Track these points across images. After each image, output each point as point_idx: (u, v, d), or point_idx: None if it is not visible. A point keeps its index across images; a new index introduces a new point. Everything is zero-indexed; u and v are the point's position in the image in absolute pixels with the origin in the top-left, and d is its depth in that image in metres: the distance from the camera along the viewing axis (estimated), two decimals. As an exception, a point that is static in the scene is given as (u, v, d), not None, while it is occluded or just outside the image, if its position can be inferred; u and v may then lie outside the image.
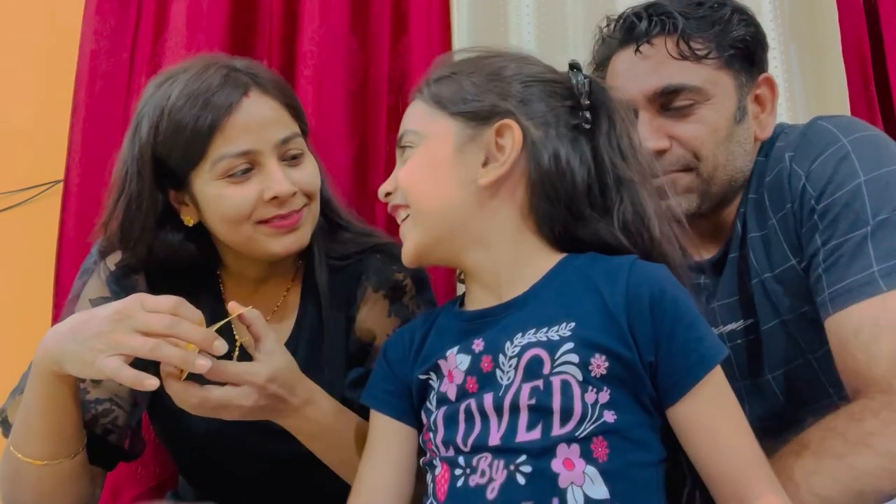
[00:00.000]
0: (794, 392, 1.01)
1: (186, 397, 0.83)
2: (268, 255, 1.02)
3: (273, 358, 0.87)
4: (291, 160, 1.02)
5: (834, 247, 0.90)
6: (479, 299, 0.86)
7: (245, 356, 0.90)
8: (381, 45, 1.62)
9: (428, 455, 0.83)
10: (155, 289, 1.08)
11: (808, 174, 0.95)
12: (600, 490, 0.71)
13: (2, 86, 1.82)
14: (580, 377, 0.74)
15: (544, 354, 0.76)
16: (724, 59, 1.00)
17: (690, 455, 0.77)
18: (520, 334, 0.78)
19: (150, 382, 0.79)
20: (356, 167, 1.57)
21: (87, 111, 1.67)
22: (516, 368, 0.77)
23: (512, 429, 0.75)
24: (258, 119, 0.98)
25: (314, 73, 1.53)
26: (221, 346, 0.81)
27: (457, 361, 0.81)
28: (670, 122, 1.00)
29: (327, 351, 1.05)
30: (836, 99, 1.43)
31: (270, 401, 0.86)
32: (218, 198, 0.97)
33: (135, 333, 0.81)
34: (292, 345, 1.08)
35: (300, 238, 1.02)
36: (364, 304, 1.09)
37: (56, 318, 1.14)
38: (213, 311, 0.90)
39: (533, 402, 0.75)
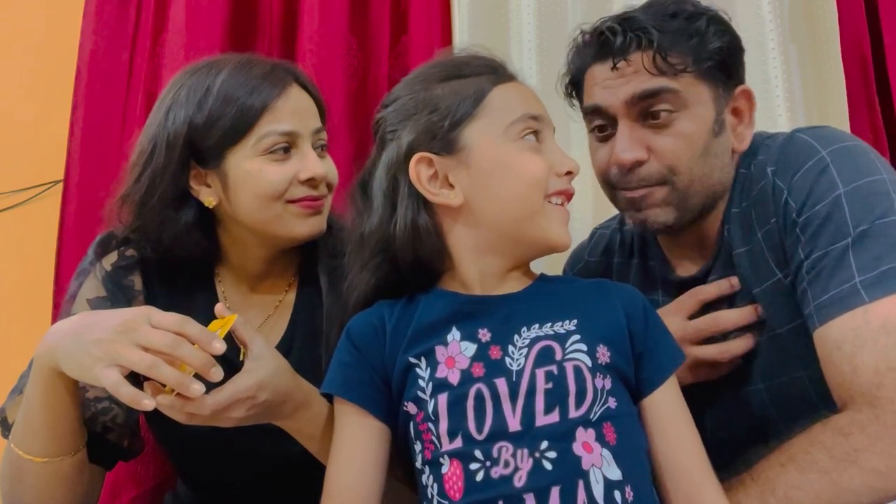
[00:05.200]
0: (784, 406, 1.00)
1: (176, 412, 0.83)
2: (290, 237, 1.05)
3: (261, 364, 0.87)
4: (320, 150, 1.08)
5: (816, 259, 0.90)
6: (473, 280, 0.85)
7: None
8: (381, 45, 1.63)
9: (424, 452, 0.80)
10: (151, 289, 1.09)
11: (790, 188, 0.94)
12: (615, 472, 0.75)
13: (2, 86, 1.82)
14: (589, 363, 0.79)
15: (555, 345, 0.80)
16: (701, 71, 0.99)
17: (657, 447, 0.81)
18: (525, 328, 0.81)
19: (147, 402, 0.80)
20: (356, 167, 1.57)
21: (87, 111, 1.67)
22: (526, 357, 0.79)
23: (529, 413, 0.76)
24: (302, 105, 1.06)
25: (314, 73, 1.53)
26: (218, 373, 0.82)
27: (461, 348, 0.81)
28: (649, 134, 0.99)
29: (325, 350, 1.05)
30: (835, 100, 1.42)
31: (263, 408, 0.86)
32: (258, 173, 1.01)
33: (135, 347, 0.81)
34: (287, 344, 1.09)
35: (321, 223, 1.07)
36: None
37: (55, 319, 1.14)
38: (209, 312, 0.90)
39: (550, 385, 0.77)
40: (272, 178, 1.01)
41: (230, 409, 0.84)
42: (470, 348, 0.80)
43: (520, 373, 0.78)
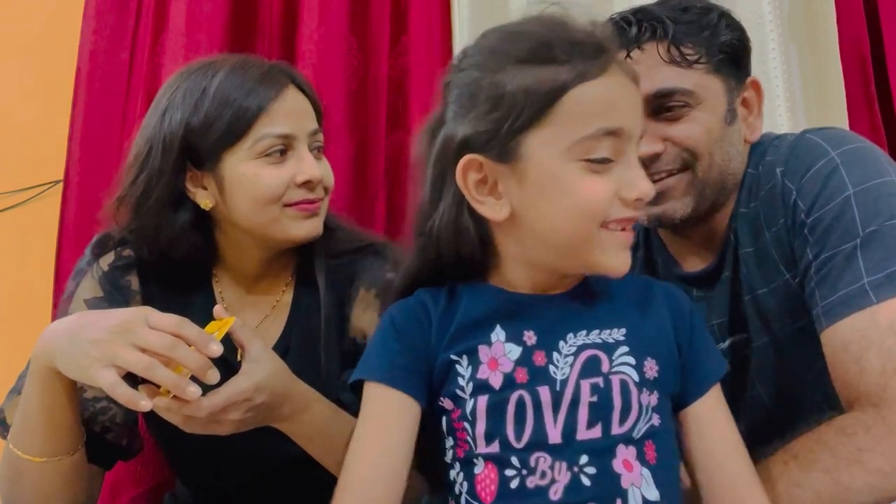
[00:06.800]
0: (786, 408, 1.00)
1: (172, 414, 0.83)
2: (287, 239, 1.05)
3: (259, 366, 0.86)
4: (316, 152, 1.07)
5: (825, 260, 0.90)
6: (521, 282, 0.81)
7: None
8: (381, 45, 1.62)
9: (456, 449, 0.77)
10: (148, 289, 1.09)
11: (799, 189, 0.95)
12: (653, 493, 0.73)
13: (2, 86, 1.82)
14: (636, 378, 0.76)
15: (602, 355, 0.77)
16: (713, 63, 1.00)
17: (699, 459, 0.79)
18: (572, 335, 0.78)
19: (144, 403, 0.80)
20: (356, 167, 1.58)
21: (87, 111, 1.67)
22: (572, 366, 0.76)
23: (571, 425, 0.74)
24: (298, 107, 1.05)
25: (313, 73, 1.53)
26: (214, 375, 0.81)
27: (505, 349, 0.77)
28: (663, 126, 0.99)
29: (323, 351, 1.05)
30: (834, 100, 1.43)
31: (260, 411, 0.86)
32: (254, 176, 1.01)
33: (133, 348, 0.81)
34: (284, 344, 1.09)
35: (318, 225, 1.06)
36: (357, 304, 1.09)
37: (55, 319, 1.15)
38: (207, 313, 0.90)
39: (595, 399, 0.75)
40: (269, 181, 1.01)
41: (227, 411, 0.83)
42: (514, 351, 0.77)
43: (564, 382, 0.75)
